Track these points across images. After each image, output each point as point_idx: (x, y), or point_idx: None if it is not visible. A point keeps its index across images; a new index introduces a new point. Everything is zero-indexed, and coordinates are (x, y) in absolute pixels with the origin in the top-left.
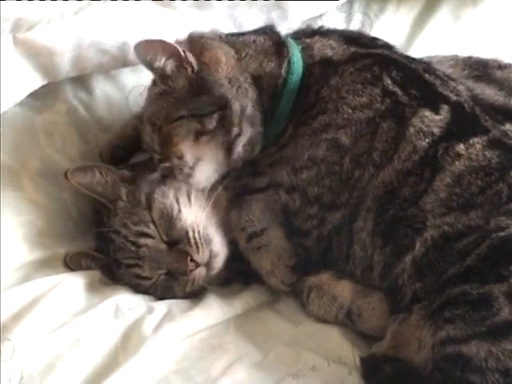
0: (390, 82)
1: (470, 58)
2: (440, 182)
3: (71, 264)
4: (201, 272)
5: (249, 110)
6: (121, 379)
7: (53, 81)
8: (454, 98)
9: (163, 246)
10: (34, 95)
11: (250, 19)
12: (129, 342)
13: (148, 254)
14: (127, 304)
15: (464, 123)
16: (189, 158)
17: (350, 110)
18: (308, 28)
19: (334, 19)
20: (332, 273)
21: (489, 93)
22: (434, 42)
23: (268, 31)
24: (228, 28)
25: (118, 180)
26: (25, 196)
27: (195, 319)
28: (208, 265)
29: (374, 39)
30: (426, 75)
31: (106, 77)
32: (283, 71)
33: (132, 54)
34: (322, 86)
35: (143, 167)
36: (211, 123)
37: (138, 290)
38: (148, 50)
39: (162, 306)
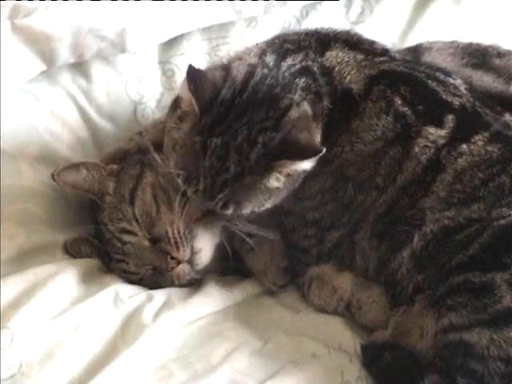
0: (400, 102)
1: (469, 45)
2: (440, 182)
3: (71, 250)
4: (184, 268)
5: None
6: (120, 367)
7: (51, 67)
8: (456, 103)
9: (146, 243)
10: (33, 81)
11: (250, 4)
12: (128, 329)
13: (132, 250)
14: (127, 292)
15: (467, 125)
16: None
17: (362, 146)
18: (318, 37)
19: (334, 5)
20: (334, 263)
21: (487, 80)
22: (434, 26)
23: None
24: (227, 13)
25: (106, 175)
26: (23, 182)
27: (195, 307)
28: (191, 261)
29: (373, 43)
30: (429, 82)
31: (104, 63)
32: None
33: (130, 40)
34: (343, 132)
35: (129, 161)
36: None
37: (129, 282)
38: None
39: (161, 295)
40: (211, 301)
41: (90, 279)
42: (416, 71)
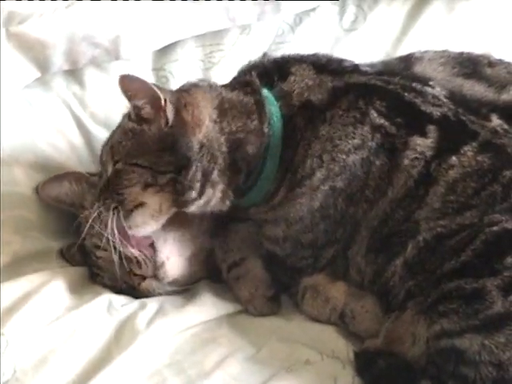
0: (376, 114)
1: (460, 54)
2: (434, 194)
3: (67, 255)
4: (151, 283)
5: (214, 175)
6: (114, 373)
7: (45, 74)
8: (437, 113)
9: (116, 259)
10: (27, 88)
11: (244, 12)
12: (122, 336)
13: (104, 265)
14: (120, 300)
15: (452, 135)
16: (129, 201)
17: (344, 156)
18: (277, 64)
19: (327, 12)
20: (327, 273)
21: (478, 89)
22: (427, 33)
23: (251, 87)
24: (221, 20)
25: (88, 187)
26: (18, 189)
27: (188, 315)
28: (156, 276)
29: (342, 62)
30: (406, 94)
31: (98, 70)
32: (265, 132)
33: (124, 47)
34: (312, 140)
35: None
36: (162, 180)
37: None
38: (130, 87)
39: (154, 303)
40: (205, 309)
41: (83, 287)
42: (390, 84)
